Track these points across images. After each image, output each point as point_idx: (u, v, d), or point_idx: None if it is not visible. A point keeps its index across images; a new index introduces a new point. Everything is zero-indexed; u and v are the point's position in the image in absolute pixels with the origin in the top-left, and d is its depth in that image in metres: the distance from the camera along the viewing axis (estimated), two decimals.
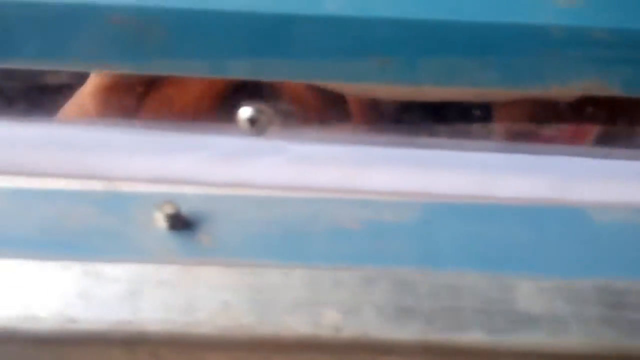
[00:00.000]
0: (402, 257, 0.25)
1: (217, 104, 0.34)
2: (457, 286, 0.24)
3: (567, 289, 0.24)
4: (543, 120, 0.36)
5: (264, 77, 0.29)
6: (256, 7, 0.25)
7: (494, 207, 0.27)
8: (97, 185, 0.28)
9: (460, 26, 0.25)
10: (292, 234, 0.26)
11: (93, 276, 0.23)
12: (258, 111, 0.31)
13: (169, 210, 0.24)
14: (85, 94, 0.38)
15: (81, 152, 0.30)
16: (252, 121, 0.31)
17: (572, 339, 0.22)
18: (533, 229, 0.26)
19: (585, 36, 0.27)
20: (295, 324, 0.22)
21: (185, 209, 0.26)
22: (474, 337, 0.22)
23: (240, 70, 0.27)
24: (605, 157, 0.32)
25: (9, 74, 0.37)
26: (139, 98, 0.36)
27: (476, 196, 0.29)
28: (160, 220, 0.25)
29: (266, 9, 0.25)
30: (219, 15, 0.24)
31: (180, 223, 0.25)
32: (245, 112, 0.31)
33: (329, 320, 0.22)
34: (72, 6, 0.25)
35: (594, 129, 0.38)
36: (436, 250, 0.26)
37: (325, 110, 0.35)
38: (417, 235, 0.26)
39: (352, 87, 0.33)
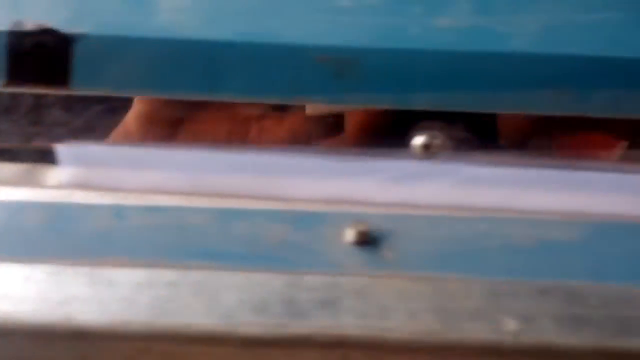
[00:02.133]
0: (572, 272, 0.27)
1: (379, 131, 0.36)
2: (626, 298, 0.25)
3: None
4: None
5: (446, 107, 0.31)
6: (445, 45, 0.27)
7: None
8: (287, 206, 0.31)
9: (631, 62, 0.27)
10: (468, 250, 0.27)
11: (295, 286, 0.26)
12: (432, 137, 0.33)
13: (361, 228, 0.27)
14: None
15: (271, 176, 0.33)
16: (426, 147, 0.33)
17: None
18: None
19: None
20: (477, 331, 0.24)
21: (370, 227, 0.28)
22: None
23: (425, 102, 0.30)
24: None
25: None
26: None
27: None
28: (350, 237, 0.27)
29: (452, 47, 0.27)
30: (412, 52, 0.27)
31: (368, 240, 0.27)
32: (419, 139, 0.33)
33: (508, 328, 0.24)
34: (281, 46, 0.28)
35: None
36: (605, 266, 0.27)
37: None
38: (586, 252, 0.27)
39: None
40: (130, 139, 0.42)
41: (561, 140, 0.38)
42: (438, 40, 0.29)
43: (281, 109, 0.41)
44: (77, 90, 0.31)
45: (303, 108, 0.40)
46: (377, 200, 0.31)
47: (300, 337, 0.25)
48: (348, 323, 0.25)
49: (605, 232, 0.28)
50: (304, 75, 0.30)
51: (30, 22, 0.30)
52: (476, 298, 0.25)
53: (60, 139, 0.33)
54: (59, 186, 0.31)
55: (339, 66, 0.29)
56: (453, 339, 0.24)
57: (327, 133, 0.40)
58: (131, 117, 0.41)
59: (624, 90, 0.29)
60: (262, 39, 0.30)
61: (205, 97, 0.32)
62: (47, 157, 0.32)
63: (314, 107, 0.39)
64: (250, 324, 0.25)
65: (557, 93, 0.29)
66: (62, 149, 0.32)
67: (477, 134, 0.37)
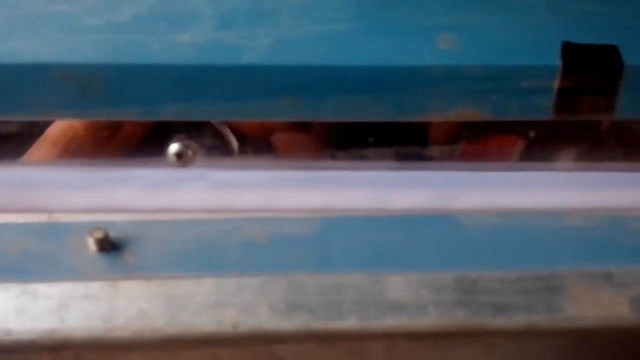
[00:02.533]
0: (301, 263, 0.29)
1: (144, 142, 0.38)
2: (339, 284, 0.27)
3: (430, 281, 0.27)
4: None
5: (192, 118, 0.33)
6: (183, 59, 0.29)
7: (380, 218, 0.31)
8: (39, 218, 0.31)
9: (358, 70, 0.30)
10: (206, 250, 0.29)
11: (28, 294, 0.26)
12: (185, 146, 0.35)
13: (98, 235, 0.28)
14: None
15: (24, 189, 0.33)
16: (179, 155, 0.35)
17: (429, 320, 0.26)
18: (410, 234, 0.30)
19: (460, 73, 0.31)
20: (202, 324, 0.26)
21: (114, 234, 0.29)
22: (348, 323, 0.26)
23: (170, 113, 0.31)
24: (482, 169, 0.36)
25: None
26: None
27: (369, 210, 0.33)
28: (91, 244, 0.28)
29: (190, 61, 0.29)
30: (152, 67, 0.29)
31: (109, 246, 0.29)
32: (173, 147, 0.35)
33: (229, 319, 0.26)
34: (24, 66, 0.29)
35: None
36: (331, 257, 0.29)
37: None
38: (315, 245, 0.30)
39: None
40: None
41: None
42: (178, 55, 0.31)
43: None
44: None
45: None
46: (127, 208, 0.33)
47: (29, 342, 0.25)
48: (76, 325, 0.26)
49: (334, 226, 0.30)
50: (49, 93, 0.31)
51: None
52: (204, 294, 0.27)
53: None
54: None
55: (83, 82, 0.30)
56: (179, 332, 0.26)
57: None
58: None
59: (354, 95, 0.32)
60: (6, 59, 0.31)
61: None
62: None
63: None
64: None
65: (292, 100, 0.31)
66: None
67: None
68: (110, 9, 0.33)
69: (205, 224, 0.31)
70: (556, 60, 0.31)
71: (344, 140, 0.38)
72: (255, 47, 0.31)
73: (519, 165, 0.37)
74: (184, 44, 0.31)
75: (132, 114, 0.32)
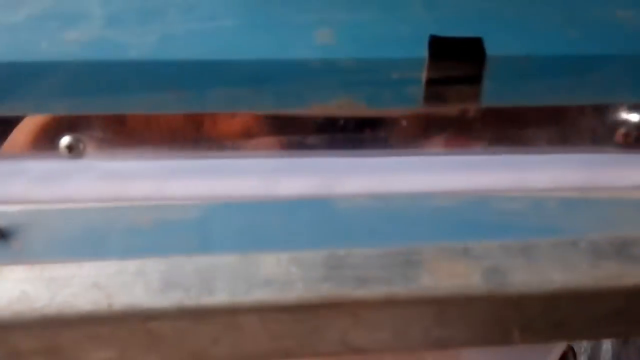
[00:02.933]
0: (187, 247, 0.31)
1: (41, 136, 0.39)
2: (215, 265, 0.29)
3: (300, 258, 0.29)
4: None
5: (81, 112, 0.34)
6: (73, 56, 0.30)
7: (260, 204, 0.33)
8: None
9: (241, 63, 0.32)
10: (91, 236, 0.31)
11: None
12: (76, 139, 0.36)
13: None
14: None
15: None
16: (70, 147, 0.36)
17: (296, 293, 0.28)
18: (287, 217, 0.32)
19: (336, 66, 0.33)
20: (77, 304, 0.27)
21: (2, 223, 0.30)
22: (219, 298, 0.27)
23: (60, 108, 0.33)
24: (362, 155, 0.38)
25: None
26: None
27: (254, 196, 0.35)
28: None
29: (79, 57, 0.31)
30: (43, 64, 0.30)
31: None
32: (64, 140, 0.36)
33: (104, 298, 0.27)
34: None
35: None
36: (208, 240, 0.31)
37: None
38: (196, 229, 0.31)
39: None
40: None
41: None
42: (66, 52, 0.33)
43: None
44: None
45: None
46: (25, 198, 0.34)
47: None
48: None
49: (216, 212, 0.32)
50: None
51: None
52: (83, 276, 0.28)
53: None
54: None
55: None
56: (57, 312, 0.27)
57: None
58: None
59: (237, 88, 0.34)
60: None
61: None
62: None
63: None
64: None
65: (178, 94, 0.33)
66: None
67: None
68: (3, 10, 0.34)
69: (92, 212, 0.32)
70: (424, 53, 0.33)
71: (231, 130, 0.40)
72: (141, 43, 0.33)
73: (399, 150, 0.39)
74: (71, 40, 0.32)
75: (25, 109, 0.33)
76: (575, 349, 1.12)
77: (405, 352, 0.43)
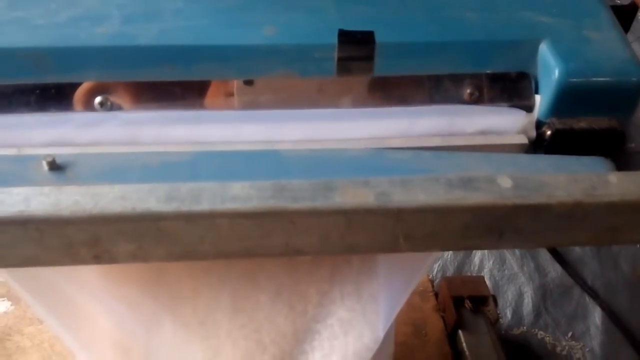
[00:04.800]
0: (178, 177, 0.45)
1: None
2: (201, 188, 0.43)
3: (257, 185, 0.44)
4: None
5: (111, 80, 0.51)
6: None
7: (234, 152, 0.48)
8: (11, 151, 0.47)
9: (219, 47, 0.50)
10: (119, 169, 0.45)
11: (6, 193, 0.42)
12: (105, 98, 0.52)
13: (49, 159, 0.44)
14: None
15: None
16: (101, 104, 0.52)
17: (252, 204, 0.42)
18: (248, 161, 0.47)
19: (279, 49, 0.49)
20: (115, 208, 0.42)
21: (59, 160, 0.45)
22: (203, 206, 0.42)
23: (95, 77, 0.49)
24: None
25: None
26: None
27: (226, 138, 0.50)
28: (45, 166, 0.44)
29: None
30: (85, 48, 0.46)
31: (55, 167, 0.44)
32: (97, 99, 0.52)
33: (129, 205, 0.42)
34: None
35: None
36: (201, 175, 0.46)
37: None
38: (188, 167, 0.46)
39: None
40: None
41: None
42: (97, 40, 0.48)
43: None
44: None
45: None
46: (74, 141, 0.49)
47: (7, 218, 0.41)
48: (36, 208, 0.41)
49: (204, 156, 0.47)
50: None
51: None
52: (116, 192, 0.43)
53: None
54: None
55: None
56: (100, 212, 0.42)
57: None
58: None
59: (213, 64, 0.50)
60: None
61: None
62: None
63: None
64: None
65: (173, 68, 0.49)
66: None
67: None
68: (54, 14, 0.49)
69: (119, 155, 0.47)
70: (336, 40, 0.51)
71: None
72: (145, 34, 0.48)
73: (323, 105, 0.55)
74: (100, 34, 0.47)
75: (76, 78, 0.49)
76: (500, 303, 1.27)
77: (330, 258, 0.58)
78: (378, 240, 0.45)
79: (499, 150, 0.50)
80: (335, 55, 0.52)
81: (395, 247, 0.46)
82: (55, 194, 0.41)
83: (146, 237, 0.42)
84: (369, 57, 0.52)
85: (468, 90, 0.55)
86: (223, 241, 0.44)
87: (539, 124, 0.54)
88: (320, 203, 0.42)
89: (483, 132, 0.53)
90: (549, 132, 0.53)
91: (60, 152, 0.45)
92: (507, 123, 0.54)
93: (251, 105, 0.53)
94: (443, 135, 0.52)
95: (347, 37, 0.52)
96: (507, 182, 0.43)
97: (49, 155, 0.44)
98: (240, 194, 0.42)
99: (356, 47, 0.52)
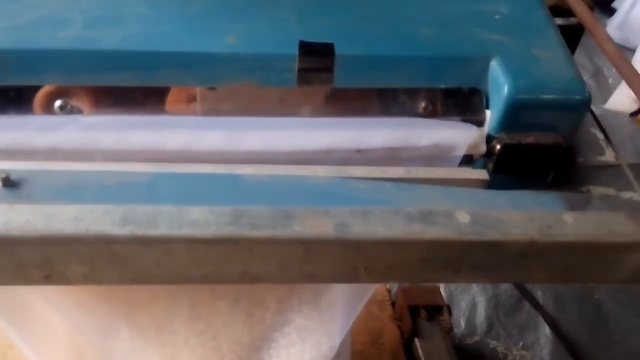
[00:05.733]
0: (134, 198, 0.43)
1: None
2: (159, 211, 0.42)
3: (216, 210, 0.42)
4: None
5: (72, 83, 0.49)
6: None
7: (193, 174, 0.46)
8: None
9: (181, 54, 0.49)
10: (75, 188, 0.43)
11: None
12: (65, 101, 0.51)
13: (3, 175, 0.42)
14: None
15: None
16: (61, 107, 0.51)
17: (211, 231, 0.41)
18: (208, 184, 0.45)
19: (239, 58, 0.49)
20: (66, 230, 0.40)
21: (13, 176, 0.43)
22: (160, 231, 0.40)
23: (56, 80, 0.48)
24: None
25: None
26: None
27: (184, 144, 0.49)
28: None
29: None
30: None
31: (9, 184, 0.42)
32: (57, 102, 0.51)
33: (82, 227, 0.40)
34: None
35: None
36: (155, 196, 0.44)
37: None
38: (145, 188, 0.44)
39: None
40: None
41: None
42: (59, 44, 0.47)
43: None
44: None
45: None
46: (32, 144, 0.47)
47: None
48: None
49: (165, 179, 0.45)
50: None
51: None
52: (70, 212, 0.41)
53: None
54: None
55: None
56: (53, 234, 0.40)
57: None
58: None
59: (175, 70, 0.49)
60: None
61: None
62: None
63: None
64: None
65: (135, 73, 0.48)
66: None
67: None
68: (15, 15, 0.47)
69: (76, 172, 0.45)
70: (296, 51, 0.50)
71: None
72: (109, 39, 0.46)
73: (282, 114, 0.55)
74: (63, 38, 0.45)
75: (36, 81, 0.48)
76: (454, 313, 1.27)
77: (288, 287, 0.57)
78: (337, 270, 0.44)
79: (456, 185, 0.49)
80: (296, 65, 0.51)
81: (355, 278, 0.45)
82: (7, 212, 0.39)
83: (99, 259, 0.41)
84: (329, 69, 0.52)
85: (422, 104, 0.55)
86: (179, 266, 0.42)
87: (489, 138, 0.55)
88: (279, 231, 0.41)
89: (436, 145, 0.54)
90: (498, 147, 0.54)
91: (15, 168, 0.43)
92: (459, 137, 0.54)
93: (213, 112, 0.52)
94: (396, 148, 0.53)
95: (307, 49, 0.51)
96: (464, 217, 0.43)
97: (2, 171, 0.42)
98: (198, 219, 0.41)
99: (316, 59, 0.52)
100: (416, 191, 0.45)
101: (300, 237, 0.42)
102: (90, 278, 0.42)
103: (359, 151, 0.54)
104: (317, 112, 0.55)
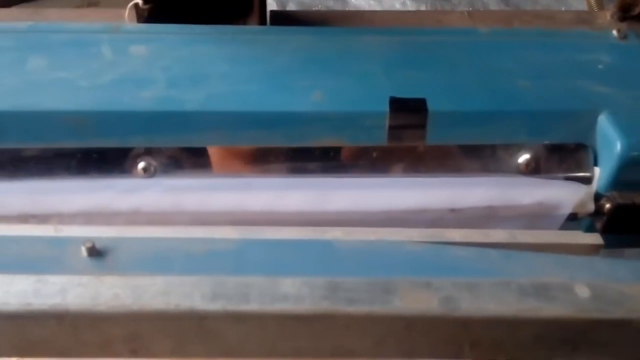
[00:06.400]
0: (224, 269, 0.41)
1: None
2: (250, 283, 0.39)
3: (309, 282, 0.39)
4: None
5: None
6: None
7: (284, 241, 0.43)
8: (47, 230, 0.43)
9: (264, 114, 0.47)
10: (162, 257, 0.41)
11: (42, 282, 0.38)
12: (148, 163, 0.48)
13: (89, 245, 0.40)
14: None
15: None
16: (145, 169, 0.48)
17: (305, 306, 0.37)
18: (299, 252, 0.42)
19: (327, 116, 0.46)
20: (155, 304, 0.37)
21: (99, 245, 0.41)
22: (252, 306, 0.37)
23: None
24: None
25: None
26: None
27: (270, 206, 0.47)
28: (84, 252, 0.40)
29: None
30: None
31: (95, 253, 0.40)
32: (140, 164, 0.48)
33: (172, 302, 0.37)
34: None
35: None
36: (244, 265, 0.41)
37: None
38: (235, 258, 0.41)
39: None
40: None
41: None
42: (141, 105, 0.44)
43: None
44: None
45: None
46: (111, 209, 0.45)
47: (41, 312, 0.37)
48: (72, 302, 0.37)
49: (248, 244, 0.42)
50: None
51: None
52: (158, 285, 0.38)
53: None
54: None
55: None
56: (139, 309, 0.37)
57: None
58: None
59: (260, 130, 0.46)
60: None
61: None
62: None
63: None
64: None
65: (219, 133, 0.48)
66: None
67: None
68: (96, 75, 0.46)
69: (163, 240, 0.42)
70: (387, 108, 0.47)
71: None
72: (193, 99, 0.44)
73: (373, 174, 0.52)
74: (145, 98, 0.43)
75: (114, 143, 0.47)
76: None
77: None
78: (439, 346, 0.40)
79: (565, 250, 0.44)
80: (387, 122, 0.48)
81: (459, 355, 0.40)
82: (94, 286, 0.37)
83: (188, 334, 0.38)
84: (421, 125, 0.48)
85: (523, 161, 0.51)
86: (269, 340, 0.39)
87: (597, 196, 0.50)
88: (378, 307, 0.38)
89: (539, 204, 0.50)
90: (608, 206, 0.49)
91: (100, 236, 0.41)
92: (565, 195, 0.50)
93: (298, 171, 0.50)
94: (495, 207, 0.49)
95: (398, 105, 0.48)
96: (584, 292, 0.38)
97: (88, 239, 0.40)
98: (291, 292, 0.38)
99: (408, 115, 0.49)
100: (525, 259, 0.41)
101: (401, 313, 0.38)
102: (176, 352, 0.39)
103: (452, 210, 0.51)
104: (409, 171, 0.52)
